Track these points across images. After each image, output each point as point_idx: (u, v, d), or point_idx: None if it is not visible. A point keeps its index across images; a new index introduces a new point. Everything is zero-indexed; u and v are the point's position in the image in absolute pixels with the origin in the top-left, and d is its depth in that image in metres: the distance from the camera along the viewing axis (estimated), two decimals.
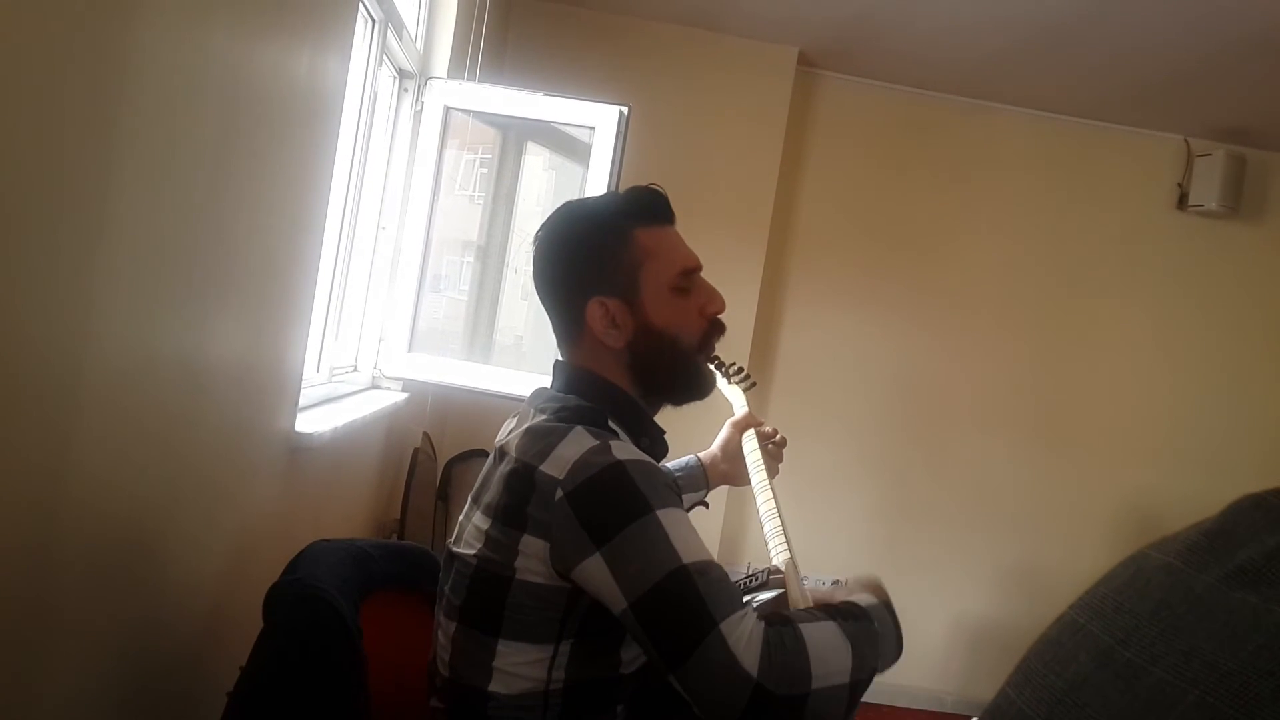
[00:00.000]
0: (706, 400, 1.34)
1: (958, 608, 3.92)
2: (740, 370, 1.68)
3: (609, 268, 1.23)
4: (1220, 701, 0.44)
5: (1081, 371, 3.98)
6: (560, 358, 1.30)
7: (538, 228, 1.29)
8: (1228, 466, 3.83)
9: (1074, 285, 3.97)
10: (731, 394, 1.68)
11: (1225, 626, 0.47)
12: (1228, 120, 3.72)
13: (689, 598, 1.00)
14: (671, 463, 1.58)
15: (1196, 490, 3.60)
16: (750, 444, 1.56)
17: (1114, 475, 3.95)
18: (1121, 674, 0.50)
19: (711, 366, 1.33)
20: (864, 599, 1.13)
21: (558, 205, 1.31)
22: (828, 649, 1.01)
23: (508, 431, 1.25)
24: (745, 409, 1.64)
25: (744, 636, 0.98)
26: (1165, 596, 0.52)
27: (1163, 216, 3.97)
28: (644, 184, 1.27)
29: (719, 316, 1.28)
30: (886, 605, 1.14)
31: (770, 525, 1.34)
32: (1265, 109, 3.53)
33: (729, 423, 1.64)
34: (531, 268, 1.29)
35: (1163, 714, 0.46)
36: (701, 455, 1.64)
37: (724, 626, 0.98)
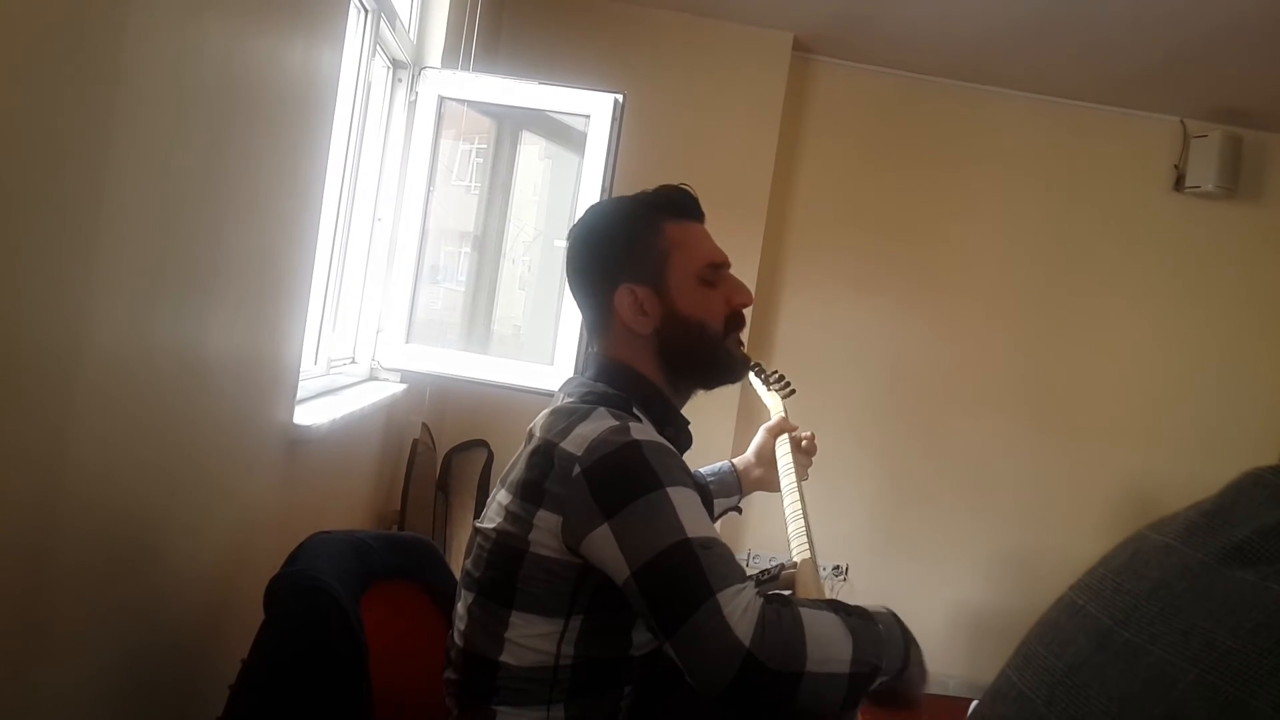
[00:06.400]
0: (745, 408, 1.36)
1: (958, 592, 3.93)
2: (781, 378, 1.71)
3: (637, 255, 1.26)
4: (1220, 679, 0.44)
5: (1078, 355, 3.98)
6: (593, 350, 1.32)
7: (571, 226, 1.33)
8: (1224, 449, 3.83)
9: (1071, 268, 3.96)
10: (769, 400, 1.69)
11: (1224, 605, 0.47)
12: (1224, 101, 3.70)
13: (689, 567, 1.02)
14: (705, 468, 1.60)
15: (1193, 473, 3.60)
16: (783, 448, 1.58)
17: (1111, 459, 3.95)
18: (1121, 654, 0.50)
19: (752, 374, 1.34)
20: (874, 606, 1.14)
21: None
22: (826, 635, 1.01)
23: (540, 418, 1.28)
24: (781, 414, 1.65)
25: (740, 607, 0.99)
26: (1163, 576, 0.52)
27: (1159, 198, 3.96)
28: (674, 184, 1.30)
29: (744, 310, 1.30)
30: (897, 619, 1.14)
31: (794, 526, 1.37)
32: (1262, 89, 3.52)
33: (763, 428, 1.65)
34: (565, 265, 1.32)
35: (1163, 693, 0.46)
36: (735, 461, 1.64)
37: (721, 596, 0.99)
